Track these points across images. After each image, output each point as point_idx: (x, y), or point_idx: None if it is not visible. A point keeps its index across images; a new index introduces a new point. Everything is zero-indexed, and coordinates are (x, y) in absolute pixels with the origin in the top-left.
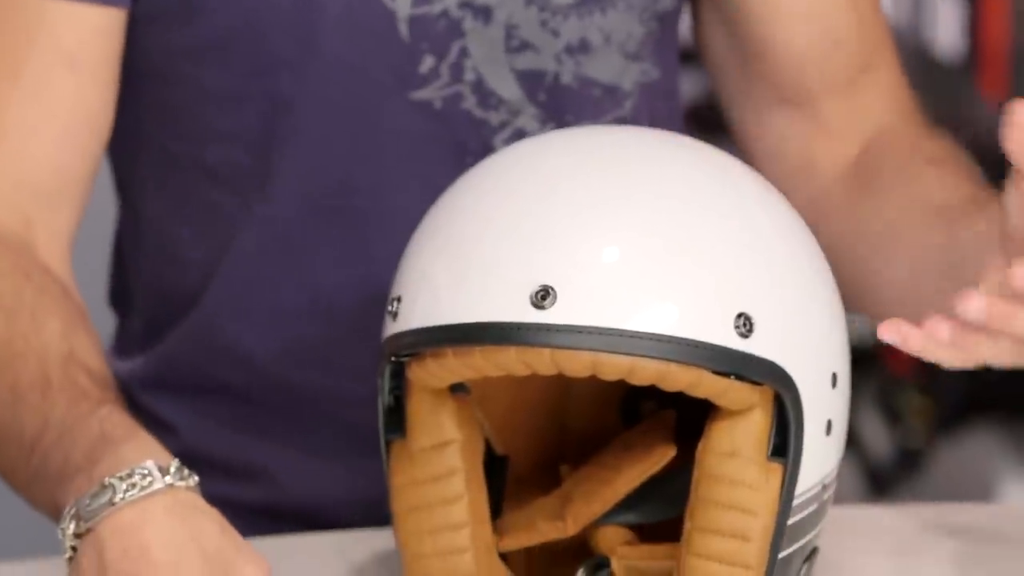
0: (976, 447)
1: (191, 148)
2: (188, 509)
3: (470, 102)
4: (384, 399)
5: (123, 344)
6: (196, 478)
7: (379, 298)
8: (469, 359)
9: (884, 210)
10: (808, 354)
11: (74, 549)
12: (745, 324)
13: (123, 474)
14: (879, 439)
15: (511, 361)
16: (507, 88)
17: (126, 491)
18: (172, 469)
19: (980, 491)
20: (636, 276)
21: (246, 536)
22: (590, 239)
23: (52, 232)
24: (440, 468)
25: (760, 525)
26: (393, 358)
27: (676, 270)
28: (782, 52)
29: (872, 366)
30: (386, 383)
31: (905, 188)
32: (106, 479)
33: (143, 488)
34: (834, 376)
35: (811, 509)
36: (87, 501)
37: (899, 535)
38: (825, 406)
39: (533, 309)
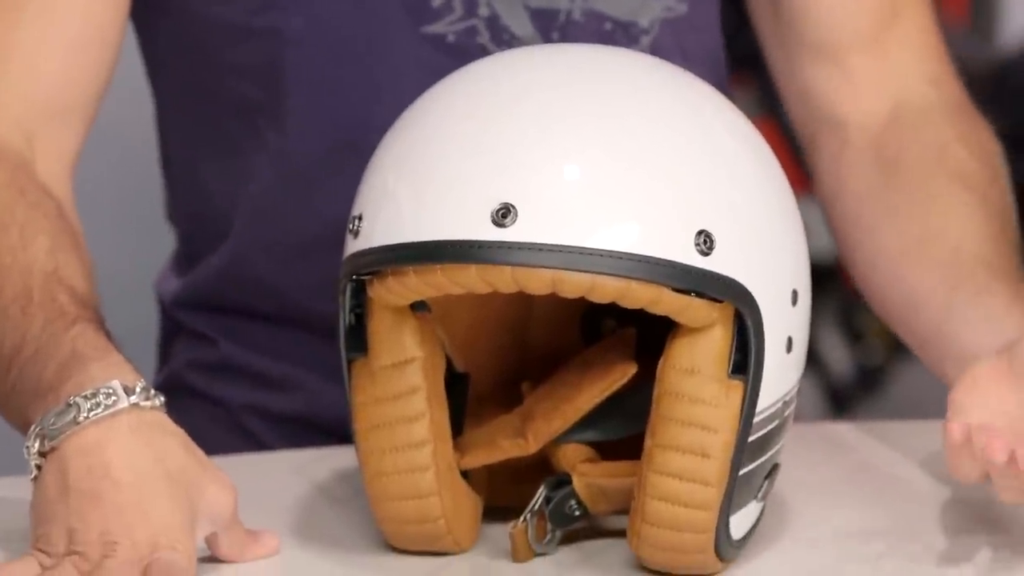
0: None
1: (208, 81)
2: (152, 429)
3: (484, 37)
4: (345, 318)
5: (175, 263)
6: (162, 398)
7: None
8: (430, 277)
9: (897, 222)
10: (768, 272)
11: (39, 468)
12: (706, 242)
13: (88, 393)
14: (840, 357)
15: (472, 279)
16: (520, 25)
17: (90, 410)
18: (138, 389)
19: (939, 409)
20: (597, 194)
21: (273, 443)
22: (551, 157)
23: (55, 150)
24: (401, 386)
25: (720, 442)
26: (354, 277)
27: (637, 188)
28: (812, 2)
29: (833, 285)
30: (347, 302)
31: (923, 208)
32: (71, 398)
33: (107, 407)
34: (794, 294)
35: (772, 426)
36: (52, 420)
37: (859, 452)
38: (785, 323)
39: (494, 227)
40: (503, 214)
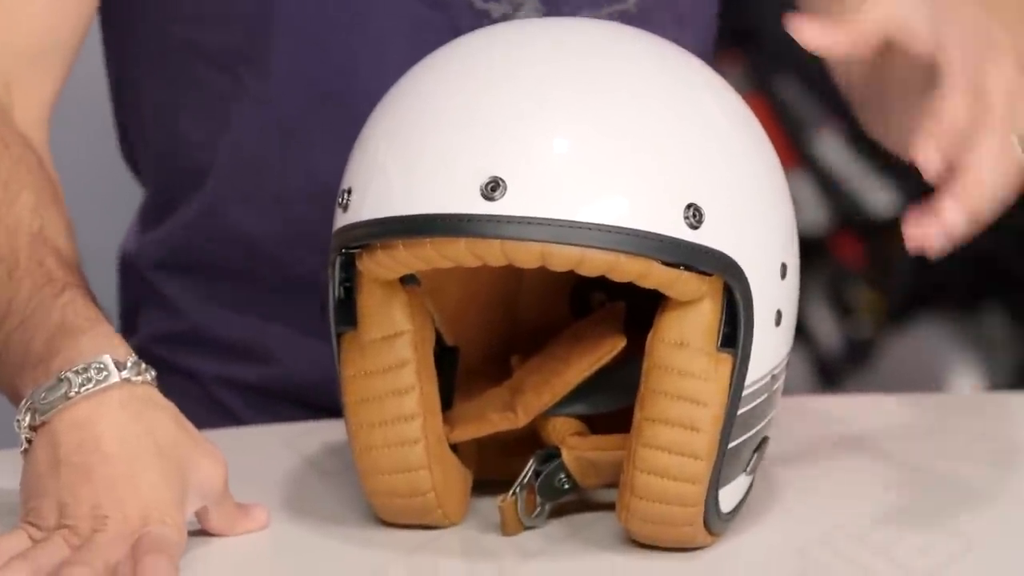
0: (925, 339)
1: (187, 30)
2: (143, 403)
3: None
4: (335, 291)
5: (142, 217)
6: (153, 372)
7: None
8: (419, 251)
9: None
10: (757, 245)
11: (29, 442)
12: (695, 215)
13: (79, 368)
14: (829, 331)
15: (461, 253)
16: None
17: (81, 385)
18: (129, 363)
19: (929, 382)
20: (586, 167)
21: (245, 416)
22: (541, 130)
23: (33, 96)
24: (391, 359)
25: (710, 415)
26: (343, 250)
27: (626, 161)
28: None
29: (822, 258)
30: (336, 275)
31: None
32: (62, 372)
33: (98, 383)
34: (783, 267)
35: (761, 399)
36: (43, 394)
37: (848, 425)
38: (774, 296)
39: (483, 200)
40: (492, 187)
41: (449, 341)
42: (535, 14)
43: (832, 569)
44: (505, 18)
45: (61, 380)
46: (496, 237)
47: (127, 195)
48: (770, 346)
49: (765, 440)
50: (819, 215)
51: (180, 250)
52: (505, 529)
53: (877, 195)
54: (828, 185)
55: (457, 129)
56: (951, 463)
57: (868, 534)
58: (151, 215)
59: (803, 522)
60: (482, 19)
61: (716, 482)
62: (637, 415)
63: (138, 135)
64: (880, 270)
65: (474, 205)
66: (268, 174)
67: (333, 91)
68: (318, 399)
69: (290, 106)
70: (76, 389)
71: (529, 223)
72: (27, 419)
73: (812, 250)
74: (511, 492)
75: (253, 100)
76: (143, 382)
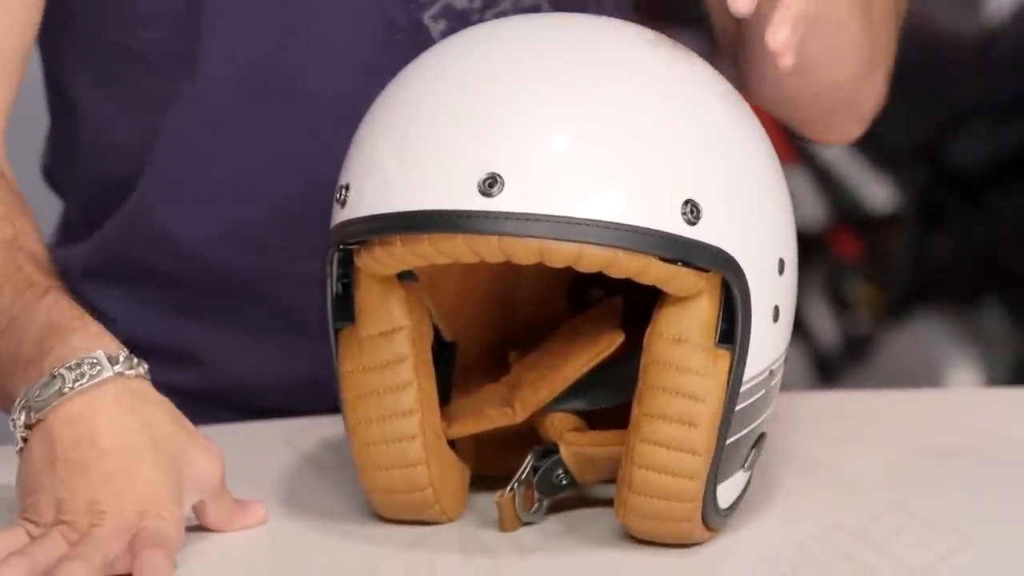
0: (922, 334)
1: (119, 34)
2: (138, 397)
3: None
4: (332, 287)
5: (64, 231)
6: (146, 366)
7: (313, 178)
8: (417, 247)
9: None
10: (755, 241)
11: (24, 440)
12: (692, 211)
13: (72, 364)
14: (826, 326)
15: (459, 249)
16: None
17: (75, 381)
18: (121, 358)
19: (926, 377)
20: (584, 164)
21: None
22: (538, 127)
23: None
24: (389, 355)
25: (707, 411)
26: (341, 246)
27: (624, 158)
28: None
29: (820, 254)
30: (334, 271)
31: None
32: (55, 369)
33: (92, 377)
34: (781, 262)
35: (758, 395)
36: (37, 392)
37: (846, 421)
38: (772, 292)
39: (481, 197)
40: (490, 184)
41: (447, 337)
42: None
43: (830, 565)
44: (433, 2)
45: (55, 377)
46: (494, 233)
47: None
48: (768, 342)
49: (763, 436)
50: (817, 211)
51: (111, 259)
52: (503, 525)
53: (875, 191)
54: (826, 181)
55: (455, 125)
56: (949, 459)
57: (866, 530)
58: (78, 226)
59: (801, 518)
60: (409, 4)
61: (714, 478)
62: (635, 411)
63: (69, 144)
64: (878, 265)
65: (472, 201)
66: (200, 173)
67: (265, 87)
68: (254, 402)
69: (221, 104)
70: (70, 384)
71: (527, 219)
72: (22, 418)
73: (810, 246)
74: (509, 488)
75: (185, 99)
76: (136, 376)
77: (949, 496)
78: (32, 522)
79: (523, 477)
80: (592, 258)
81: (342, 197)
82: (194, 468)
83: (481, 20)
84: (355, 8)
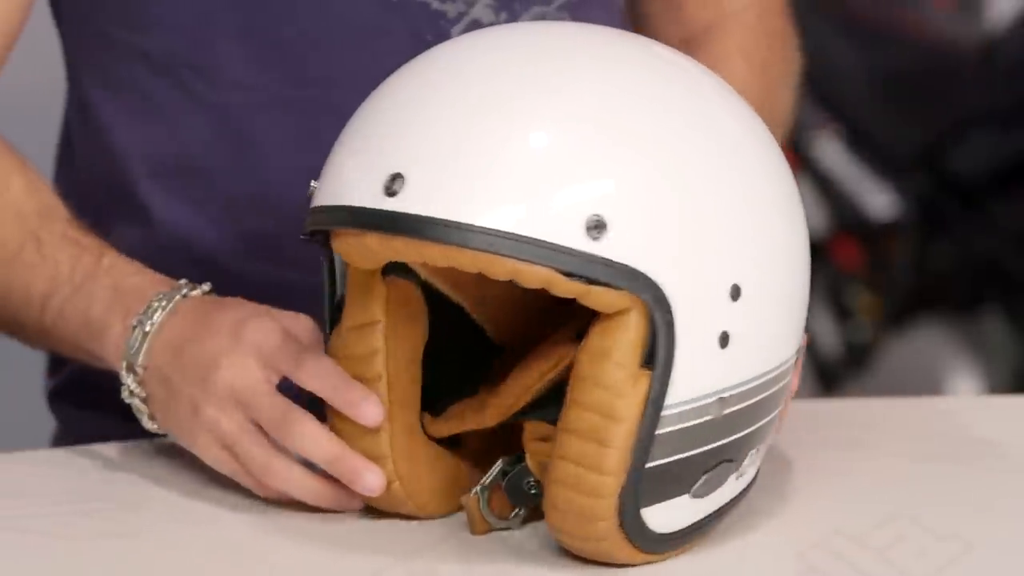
0: (924, 342)
1: (132, 36)
2: (213, 301)
3: None
4: (327, 282)
5: None
6: (209, 285)
7: None
8: (344, 240)
9: None
10: (689, 262)
11: (144, 402)
12: (597, 226)
13: (144, 309)
14: (828, 335)
15: (375, 245)
16: None
17: (152, 315)
18: (183, 287)
19: (927, 385)
20: (488, 171)
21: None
22: (445, 130)
23: None
24: (362, 347)
25: (622, 431)
26: (302, 236)
27: (529, 168)
28: None
29: (821, 262)
30: (326, 267)
31: None
32: (134, 318)
33: (164, 309)
34: (735, 288)
35: (697, 421)
36: (127, 348)
37: (847, 428)
38: (718, 318)
39: (385, 196)
40: (393, 184)
41: (495, 339)
42: (489, 11)
43: (832, 573)
44: (460, 17)
45: (135, 326)
46: (396, 234)
47: None
48: (711, 368)
49: (725, 463)
50: (818, 219)
51: None
52: (472, 527)
53: (876, 198)
54: (827, 188)
55: (375, 126)
56: (949, 467)
57: (868, 537)
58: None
59: (803, 525)
60: (439, 19)
61: (634, 500)
62: (559, 424)
63: (81, 154)
64: (879, 273)
65: (377, 200)
66: (216, 180)
67: (286, 96)
68: None
69: (240, 111)
70: (151, 319)
71: (427, 222)
72: (131, 379)
73: (811, 254)
74: (473, 491)
75: (201, 106)
76: (203, 293)
77: (950, 504)
78: (218, 433)
79: (488, 482)
80: (493, 267)
81: (310, 191)
82: (286, 320)
83: None
84: (382, 22)
